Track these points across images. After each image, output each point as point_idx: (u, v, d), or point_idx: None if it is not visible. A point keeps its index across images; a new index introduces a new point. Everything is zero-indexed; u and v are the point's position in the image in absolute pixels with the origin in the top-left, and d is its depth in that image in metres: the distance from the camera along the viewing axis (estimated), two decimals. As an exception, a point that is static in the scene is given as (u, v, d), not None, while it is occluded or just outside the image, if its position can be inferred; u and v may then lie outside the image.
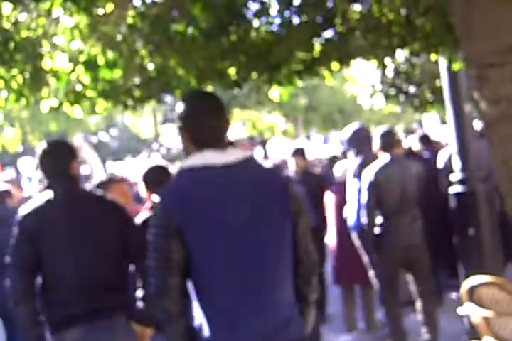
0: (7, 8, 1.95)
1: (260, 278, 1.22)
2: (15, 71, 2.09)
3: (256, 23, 2.06)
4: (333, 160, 5.14)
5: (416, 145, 4.14)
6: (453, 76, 2.94)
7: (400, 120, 14.76)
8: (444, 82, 3.02)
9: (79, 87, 2.20)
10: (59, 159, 1.80)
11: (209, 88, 2.30)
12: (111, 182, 2.49)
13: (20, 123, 9.83)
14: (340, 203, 3.19)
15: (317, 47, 2.14)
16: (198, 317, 1.23)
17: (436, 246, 3.34)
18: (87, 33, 2.01)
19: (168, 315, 1.20)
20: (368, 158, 2.99)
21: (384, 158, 2.85)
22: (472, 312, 1.90)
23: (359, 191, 2.89)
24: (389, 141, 2.86)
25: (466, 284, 1.91)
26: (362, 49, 2.09)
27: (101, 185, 2.40)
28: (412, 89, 5.14)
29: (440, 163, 3.68)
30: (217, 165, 1.24)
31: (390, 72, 5.09)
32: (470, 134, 2.96)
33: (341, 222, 3.17)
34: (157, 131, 15.46)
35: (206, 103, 1.30)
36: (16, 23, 1.99)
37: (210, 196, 1.22)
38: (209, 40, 1.95)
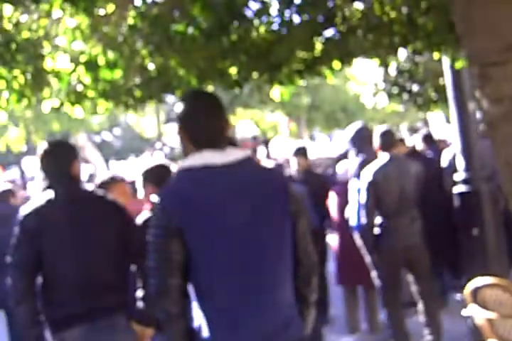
0: (8, 9, 1.95)
1: (260, 278, 1.21)
2: (16, 72, 2.09)
3: (256, 22, 2.05)
4: (341, 159, 5.11)
5: (419, 145, 4.11)
6: (456, 74, 2.91)
7: (404, 118, 14.70)
8: (447, 80, 2.99)
9: (80, 88, 2.20)
10: (60, 159, 1.80)
11: (210, 88, 2.29)
12: (112, 182, 2.49)
13: (25, 123, 9.89)
14: (343, 203, 3.17)
15: (318, 46, 2.13)
16: (198, 318, 1.23)
17: (440, 246, 3.32)
18: (88, 33, 2.01)
19: (168, 315, 1.20)
20: (369, 158, 2.97)
21: (383, 157, 2.83)
22: (476, 314, 1.88)
23: (359, 191, 2.88)
24: (388, 140, 2.84)
25: (470, 285, 1.89)
26: (363, 48, 2.08)
27: (102, 185, 2.40)
28: (415, 87, 5.11)
29: (444, 162, 3.65)
30: (216, 165, 1.23)
31: (392, 71, 5.06)
32: (474, 133, 2.93)
33: (344, 222, 3.16)
34: (160, 131, 15.50)
35: (205, 103, 1.29)
36: (17, 24, 2.00)
37: (210, 196, 1.21)
38: (209, 39, 1.94)
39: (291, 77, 2.24)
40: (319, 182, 3.65)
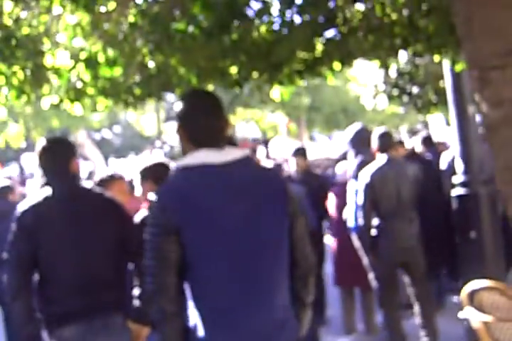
0: (8, 5, 1.94)
1: (257, 278, 1.21)
2: (16, 68, 2.09)
3: (257, 22, 2.05)
4: (341, 160, 5.11)
5: (419, 147, 4.11)
6: (456, 77, 2.91)
7: (404, 121, 14.70)
8: (447, 83, 2.99)
9: (79, 85, 2.20)
10: (58, 156, 1.80)
11: (210, 87, 2.29)
12: (111, 179, 2.49)
13: (24, 120, 9.87)
14: (341, 204, 3.17)
15: (319, 46, 2.12)
16: (193, 317, 1.22)
17: (437, 249, 3.32)
18: (89, 30, 2.00)
19: (165, 313, 1.20)
20: (367, 159, 2.97)
21: (381, 159, 2.83)
22: (472, 317, 1.88)
23: (356, 192, 2.88)
24: (386, 142, 2.84)
25: (467, 288, 1.89)
26: (364, 49, 2.08)
27: (101, 183, 2.40)
28: (415, 89, 5.11)
29: (443, 165, 3.65)
30: (214, 164, 1.23)
31: (393, 73, 5.06)
32: (473, 136, 2.93)
33: (342, 223, 3.16)
34: (160, 129, 15.49)
35: (205, 102, 1.29)
36: (17, 20, 1.99)
37: (208, 195, 1.21)
38: (210, 38, 1.94)
39: (292, 78, 2.24)
40: (318, 182, 3.65)
